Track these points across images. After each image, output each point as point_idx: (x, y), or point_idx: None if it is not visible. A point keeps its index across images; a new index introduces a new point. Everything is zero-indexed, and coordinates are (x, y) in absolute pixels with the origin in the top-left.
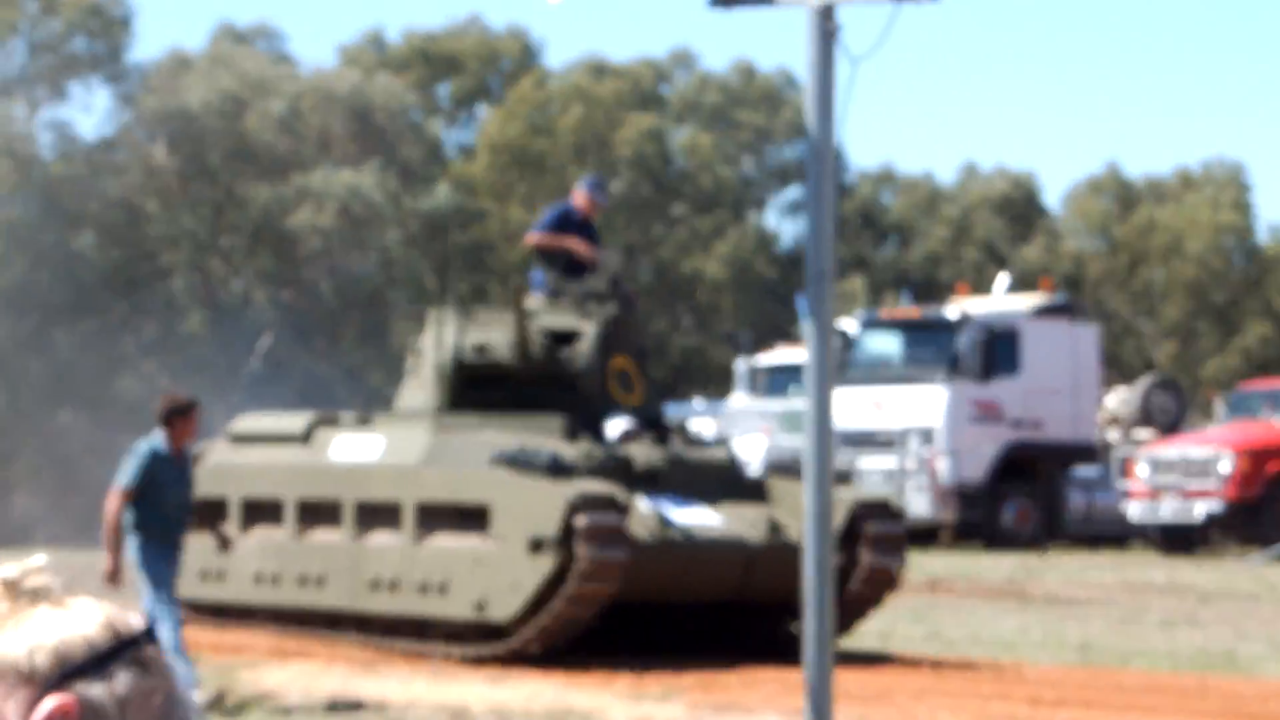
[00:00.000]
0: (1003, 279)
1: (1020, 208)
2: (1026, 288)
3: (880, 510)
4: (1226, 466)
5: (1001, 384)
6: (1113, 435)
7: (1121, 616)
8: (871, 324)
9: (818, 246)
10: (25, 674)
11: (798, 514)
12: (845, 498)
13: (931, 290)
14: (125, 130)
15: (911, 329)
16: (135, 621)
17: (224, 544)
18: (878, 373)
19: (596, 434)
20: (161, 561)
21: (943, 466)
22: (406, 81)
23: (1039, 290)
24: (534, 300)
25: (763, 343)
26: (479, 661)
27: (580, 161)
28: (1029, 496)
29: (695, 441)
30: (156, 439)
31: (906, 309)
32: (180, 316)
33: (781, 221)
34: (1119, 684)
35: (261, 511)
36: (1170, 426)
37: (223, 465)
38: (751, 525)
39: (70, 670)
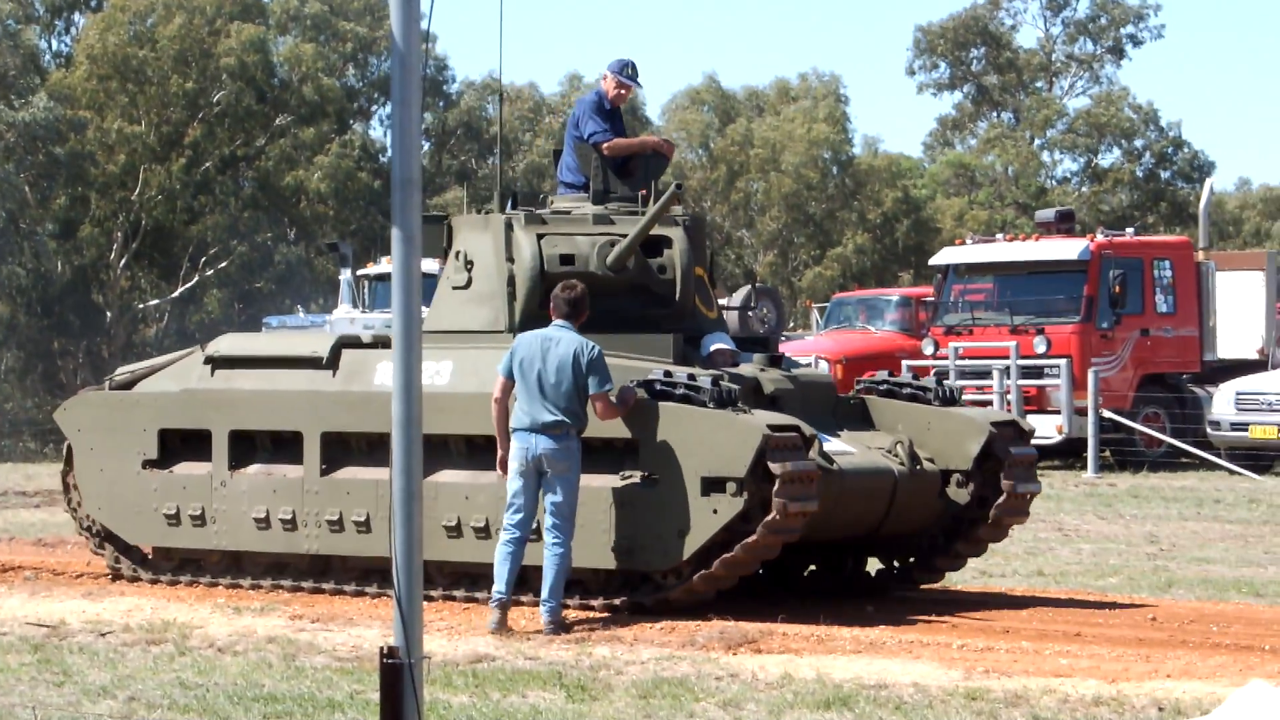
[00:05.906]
0: None
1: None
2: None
3: (1015, 431)
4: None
5: None
6: None
7: None
8: None
9: (403, 154)
10: None
11: (920, 439)
12: (978, 418)
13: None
14: None
15: None
16: None
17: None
18: None
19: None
20: None
21: None
22: None
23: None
24: (567, 201)
25: (366, 255)
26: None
27: (182, 72)
28: None
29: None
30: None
31: None
32: None
33: (386, 133)
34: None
35: (259, 446)
36: (769, 335)
37: (203, 393)
38: (888, 453)
39: None
